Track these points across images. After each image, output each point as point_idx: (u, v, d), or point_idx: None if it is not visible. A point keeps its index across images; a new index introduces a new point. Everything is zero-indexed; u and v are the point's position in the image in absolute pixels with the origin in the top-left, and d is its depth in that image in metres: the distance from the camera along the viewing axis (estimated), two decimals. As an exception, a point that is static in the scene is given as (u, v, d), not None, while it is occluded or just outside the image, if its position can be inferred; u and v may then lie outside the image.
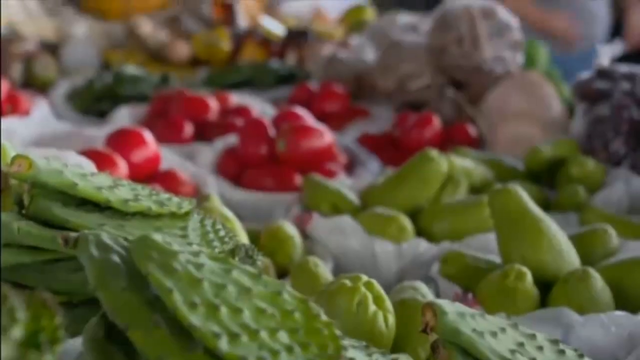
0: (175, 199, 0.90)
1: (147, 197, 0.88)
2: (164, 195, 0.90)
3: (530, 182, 1.47)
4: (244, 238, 1.13)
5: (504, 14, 1.93)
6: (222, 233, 0.87)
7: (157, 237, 0.63)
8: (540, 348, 0.72)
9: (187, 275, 0.60)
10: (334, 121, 1.84)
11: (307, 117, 1.60)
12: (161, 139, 1.60)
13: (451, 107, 1.86)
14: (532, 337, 0.73)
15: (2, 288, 0.51)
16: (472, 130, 1.75)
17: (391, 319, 0.81)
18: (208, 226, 0.88)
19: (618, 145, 1.58)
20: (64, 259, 0.80)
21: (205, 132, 1.72)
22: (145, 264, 0.60)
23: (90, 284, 0.61)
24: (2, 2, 2.59)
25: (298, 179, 1.48)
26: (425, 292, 1.01)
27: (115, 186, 0.88)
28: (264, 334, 0.59)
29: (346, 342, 0.68)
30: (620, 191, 1.41)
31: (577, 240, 1.12)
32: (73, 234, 0.72)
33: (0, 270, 0.78)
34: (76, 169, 0.88)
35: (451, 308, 0.68)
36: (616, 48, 1.78)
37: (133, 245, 0.63)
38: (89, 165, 1.09)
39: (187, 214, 0.87)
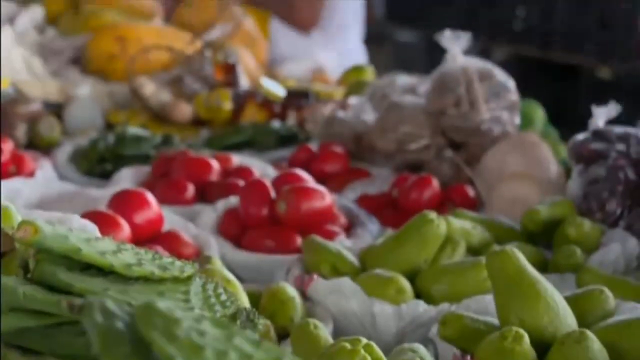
0: (178, 263, 0.92)
1: (150, 261, 0.90)
2: (167, 259, 0.92)
3: (528, 243, 1.49)
4: (245, 301, 1.14)
5: (501, 76, 1.97)
6: (223, 297, 0.89)
7: (161, 304, 0.65)
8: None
9: (190, 343, 0.61)
10: (334, 182, 1.87)
11: (308, 179, 1.63)
12: (163, 199, 1.62)
13: (450, 167, 1.89)
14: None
15: (6, 352, 0.52)
16: (470, 191, 1.77)
17: (390, 382, 0.82)
18: (210, 290, 0.90)
19: (614, 206, 1.60)
20: (68, 323, 0.81)
21: (207, 193, 1.74)
22: (149, 331, 0.62)
23: (95, 351, 0.62)
24: (8, 63, 2.64)
25: (298, 240, 1.50)
26: (424, 354, 1.03)
27: (118, 250, 0.90)
28: (264, 400, 0.60)
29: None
30: (616, 252, 1.43)
31: (574, 302, 1.14)
32: (78, 300, 0.73)
33: (0, 334, 0.80)
34: (80, 234, 0.90)
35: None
36: (611, 109, 1.81)
37: (137, 312, 0.65)
38: (92, 229, 1.11)
39: (189, 278, 0.89)
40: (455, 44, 1.92)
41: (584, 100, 7.06)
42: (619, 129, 1.72)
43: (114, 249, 0.89)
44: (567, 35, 7.20)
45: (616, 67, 6.58)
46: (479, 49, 7.55)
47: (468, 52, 1.98)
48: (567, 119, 7.04)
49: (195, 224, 1.58)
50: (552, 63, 7.33)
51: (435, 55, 1.97)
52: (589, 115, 1.81)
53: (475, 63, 1.97)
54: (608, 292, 1.18)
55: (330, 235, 1.50)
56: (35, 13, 3.02)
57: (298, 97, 2.43)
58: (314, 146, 2.04)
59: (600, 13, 6.81)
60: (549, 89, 7.39)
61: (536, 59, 7.41)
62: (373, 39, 4.59)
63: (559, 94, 7.38)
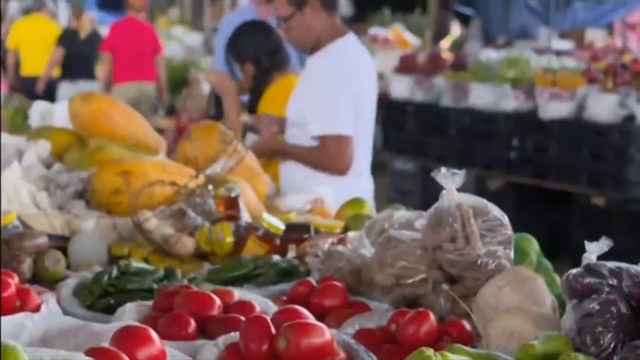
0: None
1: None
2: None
3: (524, 378, 1.51)
4: None
5: (495, 211, 2.03)
6: None
7: None
8: None
9: None
10: (334, 316, 1.91)
11: (307, 314, 1.67)
12: (166, 335, 1.66)
13: (446, 301, 1.93)
14: None
15: None
16: (467, 325, 1.81)
17: None
18: None
19: (608, 340, 1.64)
20: None
21: (208, 328, 1.78)
22: None
23: None
24: (15, 197, 2.71)
25: (299, 376, 1.52)
26: None
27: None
28: None
29: None
30: (611, 387, 1.45)
31: None
32: None
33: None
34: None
35: None
36: (603, 244, 1.86)
37: None
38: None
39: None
40: (451, 181, 1.99)
41: (578, 226, 7.16)
42: (611, 264, 1.77)
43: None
44: (561, 165, 7.35)
45: (609, 195, 6.68)
46: (475, 177, 7.68)
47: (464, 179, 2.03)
48: (562, 245, 7.11)
49: (198, 360, 1.60)
50: (547, 190, 7.45)
51: (431, 183, 2.04)
52: (583, 240, 1.85)
53: (470, 199, 2.03)
54: None
55: (330, 371, 1.52)
56: (42, 147, 3.11)
57: (298, 231, 2.49)
58: (314, 280, 2.09)
59: (592, 145, 6.98)
60: (544, 216, 7.49)
61: (531, 187, 7.54)
62: (371, 167, 4.68)
63: (554, 220, 7.48)
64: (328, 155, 3.51)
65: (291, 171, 3.63)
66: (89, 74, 10.55)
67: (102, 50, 9.77)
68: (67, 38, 10.61)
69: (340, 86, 3.51)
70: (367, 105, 3.68)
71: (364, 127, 3.66)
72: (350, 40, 3.67)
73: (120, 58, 9.45)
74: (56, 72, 10.70)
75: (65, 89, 10.29)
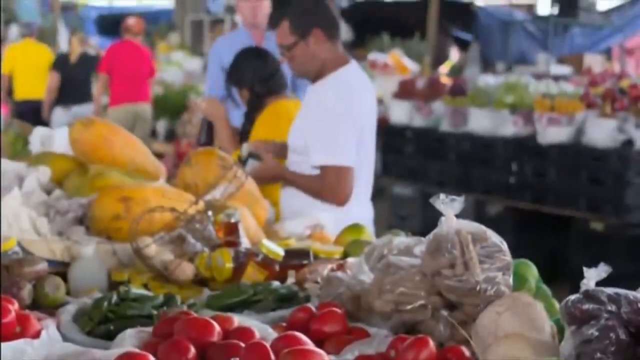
0: None
1: None
2: None
3: (523, 405, 1.51)
4: None
5: (494, 237, 2.04)
6: None
7: None
8: None
9: None
10: (333, 342, 1.91)
11: (307, 341, 1.67)
12: (166, 362, 1.66)
13: (445, 327, 1.93)
14: None
15: None
16: (466, 351, 1.81)
17: None
18: None
19: (607, 367, 1.64)
20: None
21: (208, 354, 1.78)
22: None
23: None
24: (15, 223, 2.72)
25: (298, 404, 1.52)
26: None
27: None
28: None
29: None
30: (610, 414, 1.45)
31: None
32: None
33: None
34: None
35: None
36: (601, 270, 1.86)
37: None
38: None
39: None
40: (450, 208, 2.00)
41: (577, 251, 7.16)
42: (609, 290, 1.78)
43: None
44: (560, 190, 7.36)
45: (608, 220, 6.69)
46: (475, 201, 7.69)
47: (463, 205, 2.04)
48: (561, 270, 7.11)
49: (197, 387, 1.60)
50: (546, 215, 7.45)
51: (431, 208, 2.06)
52: (582, 265, 1.86)
53: (469, 225, 2.04)
54: None
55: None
56: (43, 174, 3.13)
57: (298, 257, 2.50)
58: (313, 306, 2.09)
59: (591, 169, 7.00)
60: (543, 240, 7.50)
61: (530, 212, 7.55)
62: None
63: (554, 245, 7.48)
64: (328, 186, 3.53)
65: (292, 197, 3.64)
66: (82, 98, 10.59)
67: (99, 71, 9.83)
68: (60, 63, 10.72)
69: (342, 116, 3.53)
70: (368, 133, 3.70)
71: (365, 154, 3.68)
72: (352, 69, 3.69)
73: (116, 80, 9.53)
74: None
75: (59, 113, 10.35)
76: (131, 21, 10.48)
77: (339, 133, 3.54)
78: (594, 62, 13.08)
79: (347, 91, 3.59)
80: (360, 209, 3.67)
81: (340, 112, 3.53)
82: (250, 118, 4.23)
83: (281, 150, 3.77)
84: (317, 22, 3.56)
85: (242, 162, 3.59)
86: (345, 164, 3.52)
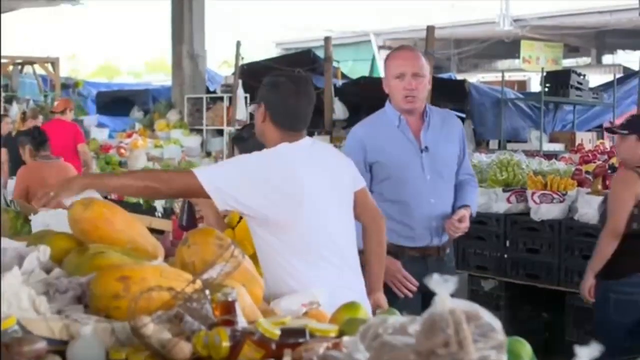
0: None
1: None
2: None
3: None
4: None
5: (488, 317, 2.08)
6: None
7: None
8: None
9: None
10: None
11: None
12: None
13: (441, 406, 1.95)
14: None
15: None
16: None
17: None
18: None
19: None
20: None
21: None
22: None
23: None
24: (15, 302, 2.74)
25: None
26: None
27: None
28: None
29: None
30: None
31: None
32: None
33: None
34: None
35: None
36: (594, 349, 1.90)
37: None
38: None
39: None
40: (444, 288, 2.04)
41: (572, 325, 7.13)
42: None
43: None
44: (553, 265, 7.41)
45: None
46: (469, 277, 7.71)
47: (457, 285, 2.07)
48: (557, 344, 7.07)
49: None
50: (540, 290, 7.47)
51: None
52: (577, 340, 1.90)
53: (463, 304, 2.08)
54: None
55: None
56: (42, 252, 3.16)
57: (294, 335, 2.52)
58: (309, 385, 2.12)
59: (583, 245, 7.05)
60: (537, 315, 7.50)
61: (523, 287, 7.57)
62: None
63: (548, 320, 7.48)
64: None
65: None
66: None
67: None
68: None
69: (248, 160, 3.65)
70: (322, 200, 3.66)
71: (317, 218, 3.65)
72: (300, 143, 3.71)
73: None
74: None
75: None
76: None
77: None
78: (585, 138, 13.24)
79: (274, 156, 3.62)
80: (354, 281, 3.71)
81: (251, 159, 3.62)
82: None
83: None
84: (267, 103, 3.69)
85: None
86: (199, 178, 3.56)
